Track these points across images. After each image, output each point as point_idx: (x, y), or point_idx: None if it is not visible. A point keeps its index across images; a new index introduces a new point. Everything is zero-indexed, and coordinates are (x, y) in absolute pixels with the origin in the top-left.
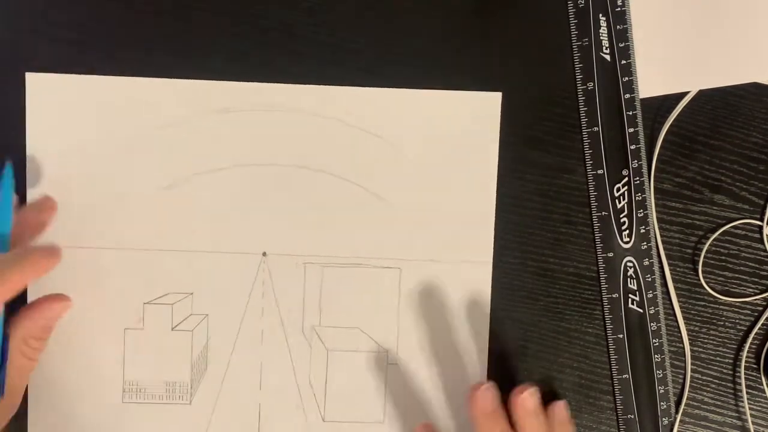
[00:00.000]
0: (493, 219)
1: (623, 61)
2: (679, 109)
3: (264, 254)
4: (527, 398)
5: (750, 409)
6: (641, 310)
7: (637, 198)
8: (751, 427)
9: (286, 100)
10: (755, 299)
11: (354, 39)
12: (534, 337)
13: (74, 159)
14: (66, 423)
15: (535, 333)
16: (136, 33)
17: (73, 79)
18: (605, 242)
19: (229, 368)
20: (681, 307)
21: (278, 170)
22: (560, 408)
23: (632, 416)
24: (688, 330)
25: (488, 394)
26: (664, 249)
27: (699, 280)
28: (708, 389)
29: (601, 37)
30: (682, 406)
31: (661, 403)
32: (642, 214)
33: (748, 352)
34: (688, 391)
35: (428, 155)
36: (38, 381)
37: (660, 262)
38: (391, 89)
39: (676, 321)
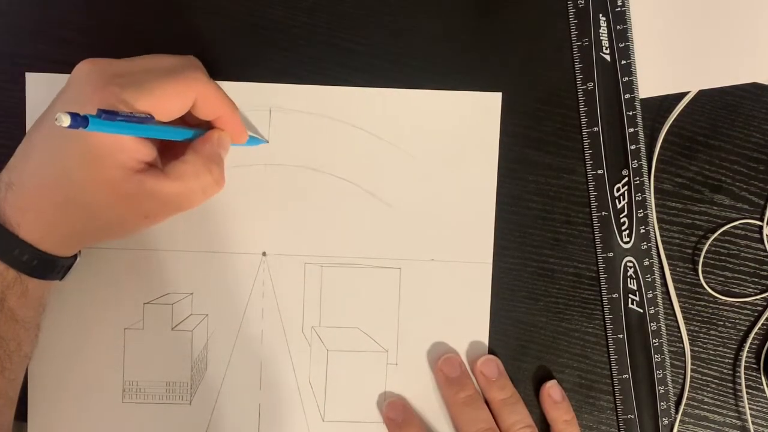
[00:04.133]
0: (493, 219)
1: (623, 61)
2: (679, 109)
3: (264, 254)
4: (501, 390)
5: (750, 409)
6: (641, 310)
7: (637, 198)
8: (751, 427)
9: (285, 100)
10: (755, 299)
11: (354, 39)
12: (534, 337)
13: None
14: (66, 423)
15: (535, 333)
16: (136, 33)
17: None
18: (605, 242)
19: (229, 368)
20: (681, 307)
21: (278, 170)
22: (553, 388)
23: (632, 416)
24: (688, 330)
25: (452, 360)
26: (664, 249)
27: (699, 280)
28: (708, 389)
29: (601, 37)
30: (682, 406)
31: (661, 403)
32: (642, 214)
33: (748, 352)
34: (688, 391)
35: (428, 155)
36: (38, 381)
37: (660, 262)
38: (391, 89)
39: (676, 321)
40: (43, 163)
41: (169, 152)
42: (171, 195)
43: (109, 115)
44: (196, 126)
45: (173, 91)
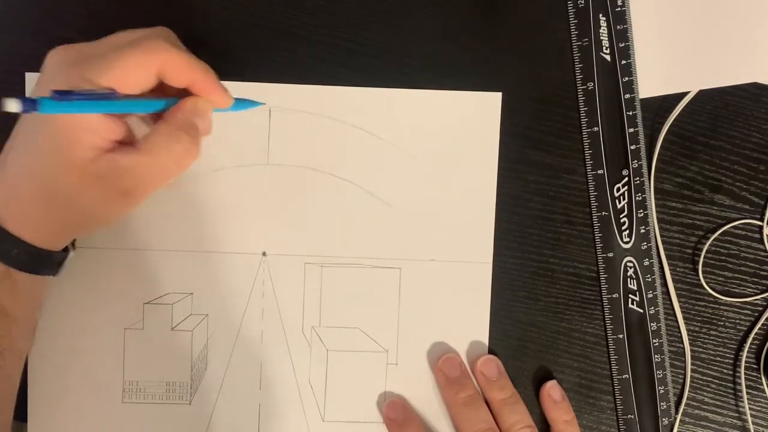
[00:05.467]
0: (493, 219)
1: (623, 61)
2: (679, 109)
3: (264, 254)
4: (501, 390)
5: (750, 409)
6: (641, 310)
7: (637, 198)
8: (751, 427)
9: (285, 100)
10: (755, 299)
11: (354, 39)
12: (534, 337)
13: None
14: (66, 423)
15: (535, 333)
16: None
17: None
18: (605, 242)
19: (229, 368)
20: (681, 307)
21: (278, 170)
22: (553, 388)
23: (632, 416)
24: (688, 330)
25: (452, 360)
26: (664, 249)
27: (699, 280)
28: (708, 389)
29: (601, 37)
30: (682, 406)
31: (661, 403)
32: (642, 214)
33: (748, 352)
34: (688, 391)
35: (428, 155)
36: (38, 381)
37: (660, 262)
38: (391, 89)
39: (676, 321)
40: (19, 155)
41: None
42: (143, 169)
43: (62, 95)
44: (174, 96)
45: (134, 62)
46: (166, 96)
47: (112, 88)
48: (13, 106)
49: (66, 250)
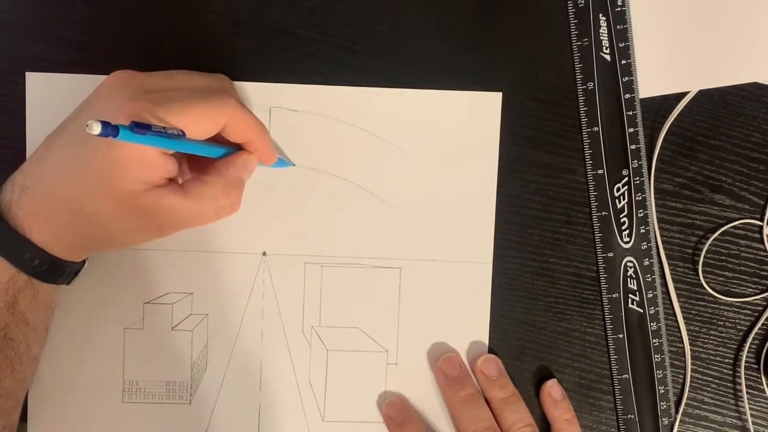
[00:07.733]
0: (493, 219)
1: (623, 61)
2: (679, 109)
3: (264, 254)
4: (501, 389)
5: (750, 409)
6: (641, 310)
7: (637, 198)
8: (751, 427)
9: (286, 100)
10: (755, 299)
11: (354, 39)
12: (534, 337)
13: None
14: (66, 423)
15: (535, 333)
16: (137, 33)
17: (73, 79)
18: (605, 242)
19: (229, 368)
20: (681, 307)
21: (279, 170)
22: (554, 387)
23: (632, 416)
24: (688, 330)
25: (452, 360)
26: (664, 249)
27: (699, 280)
28: (708, 389)
29: (601, 37)
30: (682, 406)
31: (661, 403)
32: (642, 214)
33: (748, 352)
34: (688, 391)
35: (428, 155)
36: (38, 381)
37: (660, 262)
38: (391, 89)
39: (676, 321)
40: (59, 170)
41: (191, 161)
42: (185, 213)
43: (141, 128)
44: (224, 144)
45: (204, 113)
46: (214, 141)
47: (182, 130)
48: (95, 128)
49: (82, 260)
